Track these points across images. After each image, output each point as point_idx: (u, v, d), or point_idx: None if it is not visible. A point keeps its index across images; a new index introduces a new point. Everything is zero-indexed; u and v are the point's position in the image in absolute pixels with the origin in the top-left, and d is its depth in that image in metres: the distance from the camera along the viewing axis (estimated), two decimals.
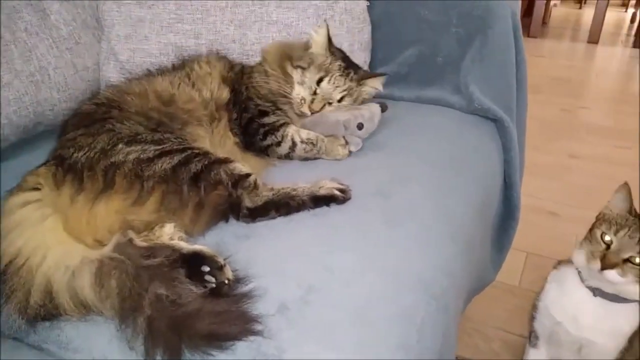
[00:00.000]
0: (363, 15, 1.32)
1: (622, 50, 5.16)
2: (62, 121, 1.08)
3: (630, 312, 1.04)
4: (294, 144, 1.08)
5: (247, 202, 0.90)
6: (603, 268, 1.02)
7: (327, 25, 1.14)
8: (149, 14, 1.16)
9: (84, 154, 0.88)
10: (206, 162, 0.90)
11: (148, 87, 1.04)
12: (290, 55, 1.15)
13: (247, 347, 0.67)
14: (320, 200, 0.92)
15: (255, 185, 0.92)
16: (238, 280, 0.75)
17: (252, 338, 0.68)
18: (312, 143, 1.09)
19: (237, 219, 0.90)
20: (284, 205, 0.91)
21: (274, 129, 1.08)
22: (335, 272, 0.78)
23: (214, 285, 0.74)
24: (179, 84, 1.07)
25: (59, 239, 0.79)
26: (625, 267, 1.00)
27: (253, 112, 1.10)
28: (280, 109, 1.13)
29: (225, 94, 1.11)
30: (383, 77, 1.22)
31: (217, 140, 1.06)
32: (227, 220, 0.91)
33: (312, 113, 1.12)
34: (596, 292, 1.05)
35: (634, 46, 5.10)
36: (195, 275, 0.74)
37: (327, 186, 0.94)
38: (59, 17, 1.10)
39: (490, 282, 1.40)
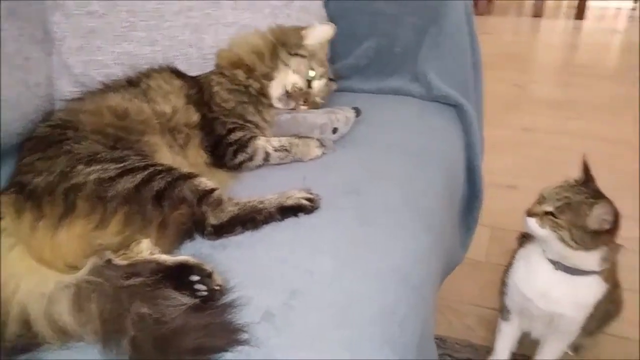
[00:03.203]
0: (319, 12, 1.32)
1: (564, 22, 5.34)
2: (16, 142, 1.04)
3: (592, 283, 1.10)
4: (267, 154, 1.08)
5: (212, 219, 0.88)
6: (527, 215, 1.08)
7: (332, 25, 1.19)
8: (100, 24, 1.13)
9: (43, 178, 0.85)
10: (170, 179, 0.88)
11: (101, 104, 1.01)
12: (285, 41, 1.16)
13: (235, 357, 0.67)
14: (288, 211, 0.91)
15: (220, 201, 0.90)
16: (221, 292, 0.75)
17: (239, 348, 0.68)
18: (285, 150, 1.09)
19: (203, 237, 0.88)
20: (250, 220, 0.89)
21: (242, 145, 1.07)
22: (315, 275, 0.79)
23: (205, 294, 0.74)
24: (133, 98, 1.04)
25: (30, 267, 0.76)
26: (545, 218, 1.06)
27: (220, 131, 1.09)
28: (250, 122, 1.13)
29: (195, 117, 1.08)
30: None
31: (181, 152, 1.05)
32: (192, 238, 0.89)
33: (299, 106, 1.15)
34: (557, 265, 1.11)
35: (576, 18, 5.28)
36: (185, 286, 0.74)
37: (295, 196, 0.93)
38: (6, 34, 1.05)
39: (459, 262, 1.45)
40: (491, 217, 1.82)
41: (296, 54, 1.16)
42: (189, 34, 1.19)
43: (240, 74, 1.16)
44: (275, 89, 1.16)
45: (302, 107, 1.18)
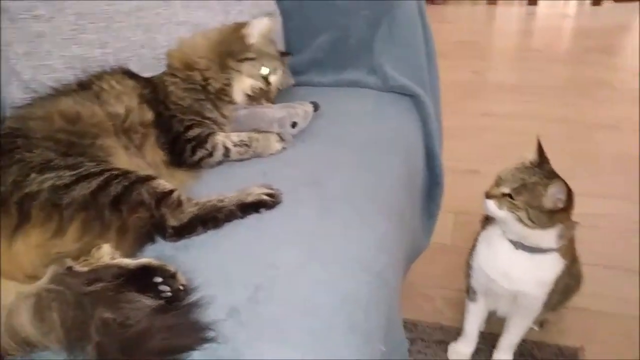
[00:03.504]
0: (272, 7, 1.32)
1: (518, 8, 5.45)
2: None
3: (551, 260, 1.14)
4: (226, 150, 1.07)
5: (172, 221, 0.87)
6: (486, 197, 1.11)
7: (270, 16, 1.17)
8: (48, 28, 1.10)
9: None
10: (126, 183, 0.87)
11: (51, 109, 0.99)
12: (231, 50, 1.16)
13: (203, 355, 0.68)
14: (249, 208, 0.91)
15: (179, 202, 0.89)
16: (186, 291, 0.75)
17: (206, 346, 0.68)
18: (245, 145, 1.09)
19: (164, 239, 0.88)
20: (211, 219, 0.89)
21: (201, 141, 1.07)
22: (279, 268, 0.80)
23: (170, 294, 0.74)
24: (84, 101, 1.02)
25: None
26: (502, 200, 1.09)
27: (178, 129, 1.08)
28: (208, 118, 1.12)
29: (149, 115, 1.07)
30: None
31: (138, 153, 1.03)
32: (153, 241, 0.88)
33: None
34: (517, 245, 1.14)
35: (529, 3, 5.41)
36: (149, 288, 0.73)
37: (256, 192, 0.93)
38: None
39: (424, 248, 1.47)
40: (455, 202, 1.86)
41: (245, 59, 1.16)
42: (140, 34, 1.18)
43: (197, 75, 1.16)
44: (237, 96, 1.18)
45: (266, 103, 1.19)
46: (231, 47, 1.17)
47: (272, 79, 1.20)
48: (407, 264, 1.28)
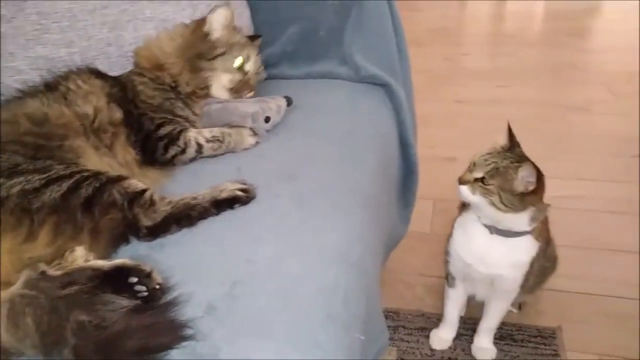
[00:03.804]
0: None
1: None
2: None
3: (525, 243, 1.16)
4: (199, 146, 1.06)
5: (145, 221, 0.87)
6: (459, 183, 1.13)
7: (225, 4, 1.15)
8: (10, 29, 1.07)
9: None
10: (97, 185, 0.86)
11: (17, 112, 0.97)
12: (199, 52, 1.14)
13: (181, 354, 0.68)
14: (223, 204, 0.91)
15: (152, 202, 0.88)
16: (162, 290, 0.75)
17: (184, 344, 0.68)
18: (218, 140, 1.08)
19: (138, 239, 0.87)
20: (185, 217, 0.88)
21: (173, 138, 1.06)
22: (256, 263, 0.81)
23: (146, 294, 0.73)
24: (52, 102, 1.01)
25: None
26: (475, 185, 1.10)
27: (149, 127, 1.06)
28: (179, 116, 1.11)
29: (118, 114, 1.06)
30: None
31: (109, 153, 1.02)
32: (128, 242, 0.88)
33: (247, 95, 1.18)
34: (491, 229, 1.16)
35: None
36: (124, 289, 0.73)
37: (229, 188, 0.93)
38: None
39: (402, 236, 1.49)
40: (433, 189, 1.88)
41: (216, 56, 1.14)
42: (106, 32, 1.16)
43: (166, 77, 1.14)
44: (219, 93, 1.17)
45: (250, 95, 1.19)
46: (198, 49, 1.15)
47: (248, 66, 1.19)
48: (385, 253, 1.29)
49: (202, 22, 1.16)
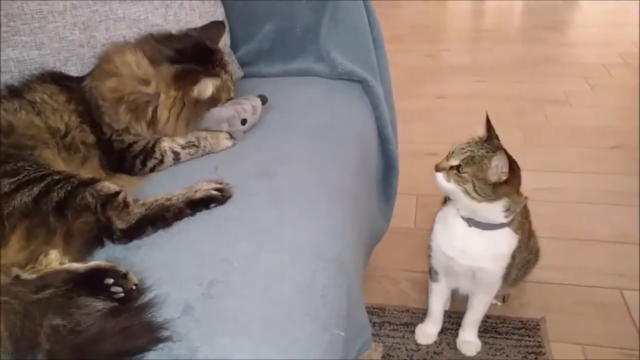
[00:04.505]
0: None
1: None
2: None
3: (504, 235, 1.16)
4: (176, 154, 1.06)
5: (119, 224, 0.86)
6: (435, 170, 1.13)
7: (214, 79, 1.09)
8: None
9: None
10: (69, 188, 0.84)
11: None
12: (196, 114, 1.09)
13: (158, 355, 0.67)
14: (199, 204, 0.90)
15: (126, 204, 0.87)
16: (139, 291, 0.75)
17: (161, 345, 0.68)
18: (194, 145, 1.07)
19: (113, 242, 0.86)
20: (159, 219, 0.87)
21: (148, 152, 1.05)
22: (233, 262, 0.80)
23: (122, 295, 0.73)
24: (18, 110, 0.98)
25: None
26: (450, 172, 1.11)
27: (120, 147, 1.05)
28: (146, 138, 1.08)
29: (90, 138, 1.03)
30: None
31: (80, 167, 1.00)
32: (103, 245, 0.86)
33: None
34: (470, 222, 1.16)
35: None
36: (101, 291, 0.73)
37: (204, 188, 0.92)
38: None
39: (384, 232, 1.48)
40: (416, 185, 1.89)
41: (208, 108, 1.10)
42: (78, 33, 1.14)
43: (126, 117, 1.06)
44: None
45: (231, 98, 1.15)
46: (196, 114, 1.08)
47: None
48: (367, 249, 1.29)
49: (182, 85, 1.06)
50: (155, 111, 1.05)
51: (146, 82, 1.05)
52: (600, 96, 2.74)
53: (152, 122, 1.06)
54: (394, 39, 3.80)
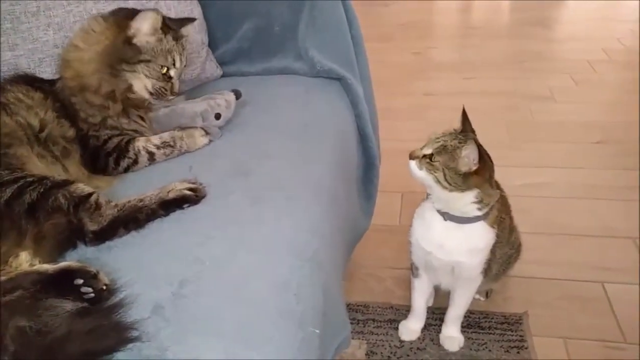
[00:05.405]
0: None
1: None
2: None
3: (479, 229, 1.17)
4: (151, 154, 1.05)
5: (91, 226, 0.85)
6: (409, 158, 1.15)
7: (154, 10, 1.08)
8: None
9: None
10: (42, 190, 0.84)
11: None
12: (121, 57, 1.06)
13: (127, 355, 0.67)
14: (172, 205, 0.90)
15: (98, 205, 0.87)
16: (109, 291, 0.74)
17: (130, 346, 0.67)
18: (169, 145, 1.07)
19: (85, 244, 0.86)
20: (132, 220, 0.87)
21: (122, 150, 1.04)
22: (205, 261, 0.80)
23: (92, 295, 0.73)
24: None
25: None
26: (422, 161, 1.12)
27: (95, 144, 1.04)
28: (127, 130, 1.08)
29: (71, 132, 1.03)
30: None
31: (57, 162, 0.99)
32: (75, 247, 0.86)
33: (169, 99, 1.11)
34: (445, 216, 1.16)
35: None
36: (71, 292, 0.72)
37: (177, 188, 0.91)
38: None
39: (365, 229, 1.48)
40: (401, 182, 1.87)
41: (139, 61, 1.07)
42: (52, 34, 1.13)
43: (96, 99, 1.06)
44: (141, 93, 1.09)
45: (171, 98, 1.12)
46: (121, 55, 1.06)
47: (173, 72, 1.11)
48: (348, 247, 1.29)
49: (125, 24, 1.06)
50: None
51: (88, 51, 1.06)
52: (584, 92, 2.76)
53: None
54: (382, 37, 3.81)
